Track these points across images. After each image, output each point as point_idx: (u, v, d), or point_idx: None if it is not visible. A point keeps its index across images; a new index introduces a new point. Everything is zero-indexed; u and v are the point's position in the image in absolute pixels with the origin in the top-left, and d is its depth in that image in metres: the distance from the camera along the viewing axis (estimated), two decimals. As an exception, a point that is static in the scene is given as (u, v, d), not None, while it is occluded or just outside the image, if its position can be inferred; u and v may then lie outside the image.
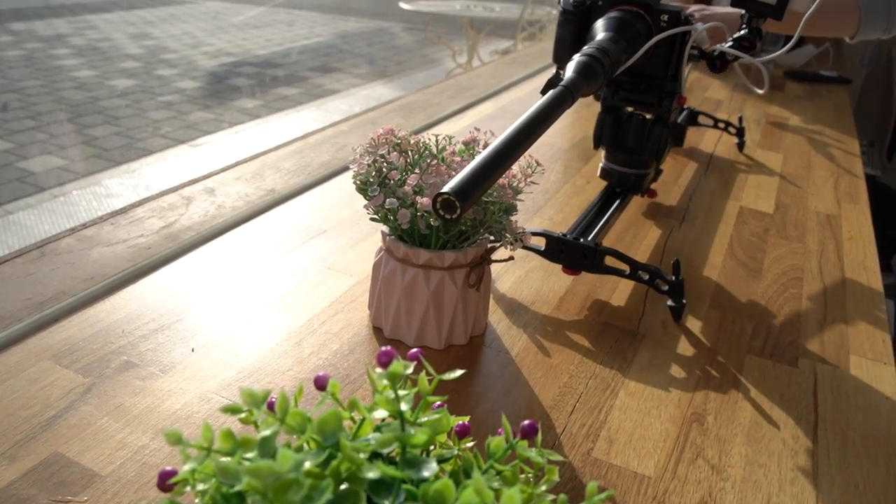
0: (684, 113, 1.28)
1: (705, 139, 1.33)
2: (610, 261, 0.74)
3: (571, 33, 0.80)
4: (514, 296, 0.75)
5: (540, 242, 0.76)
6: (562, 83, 0.58)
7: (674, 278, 0.72)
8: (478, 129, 0.65)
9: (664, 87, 0.83)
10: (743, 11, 0.80)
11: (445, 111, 1.34)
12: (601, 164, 0.90)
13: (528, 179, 0.64)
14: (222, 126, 4.15)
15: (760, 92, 0.88)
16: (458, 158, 0.61)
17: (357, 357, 0.64)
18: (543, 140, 1.23)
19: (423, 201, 0.56)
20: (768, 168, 1.21)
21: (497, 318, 0.71)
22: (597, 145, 0.89)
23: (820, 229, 0.99)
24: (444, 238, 0.61)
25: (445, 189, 0.44)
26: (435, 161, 0.61)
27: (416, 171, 0.61)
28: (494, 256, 0.66)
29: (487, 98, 1.46)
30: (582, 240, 0.74)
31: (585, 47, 0.65)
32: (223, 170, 0.99)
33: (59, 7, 7.55)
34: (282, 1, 8.87)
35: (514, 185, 0.62)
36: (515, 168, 0.65)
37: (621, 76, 0.82)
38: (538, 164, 0.64)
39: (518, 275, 0.79)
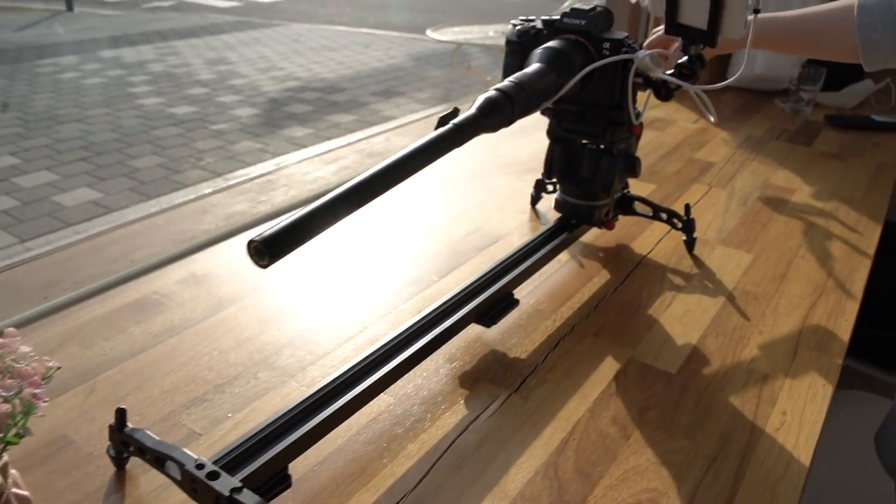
0: (617, 196, 0.95)
1: (649, 231, 1.00)
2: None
3: (517, 64, 0.76)
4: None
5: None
6: (454, 121, 0.55)
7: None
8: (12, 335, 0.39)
9: (611, 116, 0.81)
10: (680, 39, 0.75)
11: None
12: (555, 196, 0.89)
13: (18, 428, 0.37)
14: (264, 157, 4.05)
15: (712, 120, 0.99)
16: None
17: None
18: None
19: None
20: (718, 280, 0.87)
21: None
22: (547, 176, 0.88)
23: (732, 418, 0.65)
24: None
25: (257, 238, 0.42)
26: None
27: None
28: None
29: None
30: (221, 478, 0.46)
31: (502, 81, 0.64)
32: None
33: (152, 33, 7.83)
34: (373, 21, 8.87)
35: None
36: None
37: (568, 106, 0.82)
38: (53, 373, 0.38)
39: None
